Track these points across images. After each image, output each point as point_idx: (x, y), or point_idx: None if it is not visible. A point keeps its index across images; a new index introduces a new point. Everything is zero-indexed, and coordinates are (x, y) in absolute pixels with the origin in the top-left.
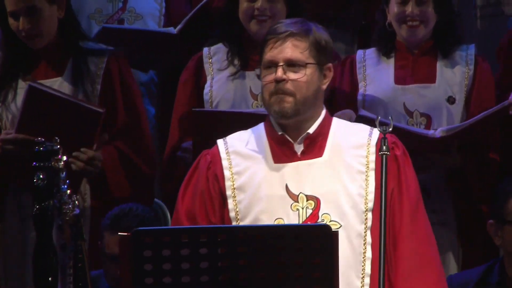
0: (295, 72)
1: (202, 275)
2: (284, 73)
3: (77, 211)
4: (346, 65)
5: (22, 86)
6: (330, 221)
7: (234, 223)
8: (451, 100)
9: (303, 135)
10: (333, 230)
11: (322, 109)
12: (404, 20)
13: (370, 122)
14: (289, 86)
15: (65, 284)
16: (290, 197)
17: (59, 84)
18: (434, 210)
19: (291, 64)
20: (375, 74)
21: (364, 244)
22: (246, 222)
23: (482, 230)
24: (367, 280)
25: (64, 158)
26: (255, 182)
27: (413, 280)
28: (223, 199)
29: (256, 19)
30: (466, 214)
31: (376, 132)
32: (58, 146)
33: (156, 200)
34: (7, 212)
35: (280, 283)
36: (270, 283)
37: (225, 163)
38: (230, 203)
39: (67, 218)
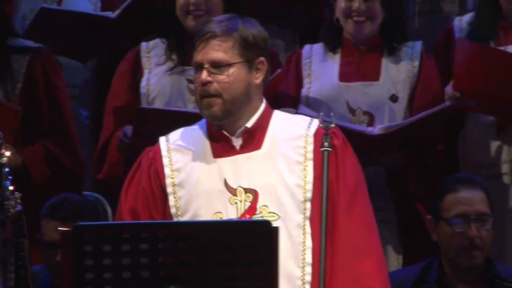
0: (220, 73)
1: (142, 271)
2: (209, 75)
3: (19, 207)
4: (292, 61)
5: None
6: (269, 212)
7: (175, 219)
8: (394, 98)
9: (241, 129)
10: (273, 226)
11: (261, 102)
12: (350, 15)
13: None
14: (214, 87)
15: (6, 280)
16: (229, 191)
17: None
18: (374, 208)
19: (216, 66)
20: (320, 70)
21: (304, 233)
22: (186, 217)
23: (423, 228)
24: (308, 269)
25: (8, 153)
26: (194, 178)
27: (349, 269)
28: (165, 196)
29: (192, 15)
30: (407, 212)
31: (315, 123)
32: (1, 141)
33: (96, 195)
34: None
35: (221, 279)
36: (211, 278)
37: (165, 160)
38: (171, 200)
39: (9, 214)
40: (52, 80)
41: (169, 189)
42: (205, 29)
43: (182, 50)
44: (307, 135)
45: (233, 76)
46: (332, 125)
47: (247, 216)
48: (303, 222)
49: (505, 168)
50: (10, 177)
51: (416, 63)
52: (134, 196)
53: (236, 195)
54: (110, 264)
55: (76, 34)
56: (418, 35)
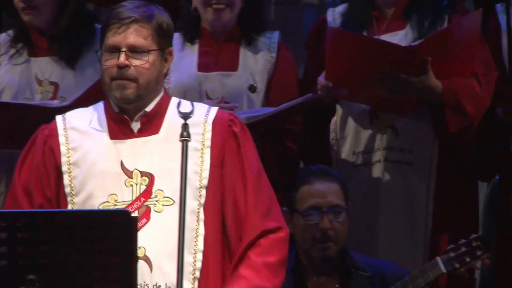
0: (138, 58)
1: (0, 260)
2: (127, 59)
3: None
4: None
5: None
6: (164, 197)
7: (69, 199)
8: (252, 88)
9: (140, 113)
10: (132, 216)
11: (161, 90)
12: (210, 3)
13: None
14: (132, 72)
15: None
16: (125, 173)
17: None
18: None
19: (134, 50)
20: (178, 61)
21: (197, 220)
22: (80, 197)
23: None
24: (199, 255)
25: None
26: (91, 158)
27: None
28: (59, 174)
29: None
30: None
31: (214, 110)
32: None
33: None
34: None
35: (80, 269)
36: (70, 268)
37: (61, 139)
38: (66, 179)
39: None
40: None
41: (64, 168)
42: (123, 13)
43: (30, 42)
44: (205, 122)
45: (151, 62)
46: (192, 115)
47: (142, 199)
48: (198, 208)
49: (377, 155)
50: None
51: (274, 54)
52: (27, 173)
53: (132, 178)
54: None
55: None
56: (275, 25)
